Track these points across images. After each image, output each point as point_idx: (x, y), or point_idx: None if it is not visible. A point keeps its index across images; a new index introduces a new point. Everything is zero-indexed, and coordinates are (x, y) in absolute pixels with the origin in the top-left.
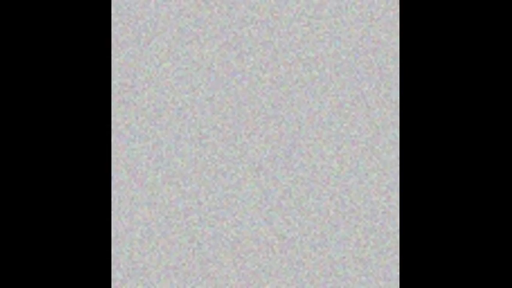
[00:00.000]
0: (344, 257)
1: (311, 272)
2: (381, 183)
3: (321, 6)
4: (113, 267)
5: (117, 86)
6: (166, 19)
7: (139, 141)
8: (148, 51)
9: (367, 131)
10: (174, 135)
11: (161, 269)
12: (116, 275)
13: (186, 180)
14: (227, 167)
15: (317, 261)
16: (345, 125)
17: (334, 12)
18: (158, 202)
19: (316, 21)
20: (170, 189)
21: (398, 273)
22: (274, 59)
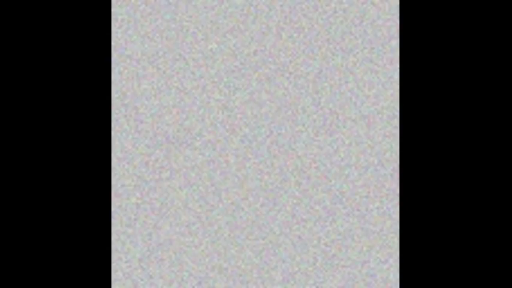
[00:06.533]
0: (344, 257)
1: (311, 272)
2: (381, 182)
3: (320, 6)
4: (113, 267)
5: (117, 85)
6: (166, 18)
7: (139, 142)
8: (148, 50)
9: (367, 130)
10: (173, 134)
11: (161, 269)
12: (117, 278)
13: (185, 180)
14: (227, 167)
15: (317, 261)
16: (344, 124)
17: (334, 12)
18: (158, 202)
19: (316, 21)
20: (170, 189)
21: (398, 273)
22: (274, 58)
